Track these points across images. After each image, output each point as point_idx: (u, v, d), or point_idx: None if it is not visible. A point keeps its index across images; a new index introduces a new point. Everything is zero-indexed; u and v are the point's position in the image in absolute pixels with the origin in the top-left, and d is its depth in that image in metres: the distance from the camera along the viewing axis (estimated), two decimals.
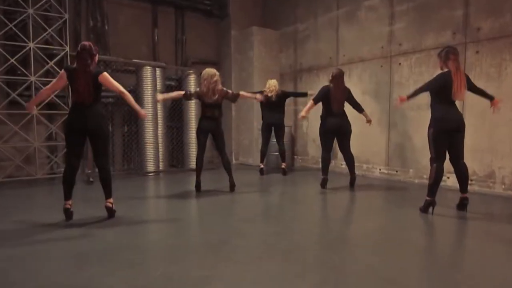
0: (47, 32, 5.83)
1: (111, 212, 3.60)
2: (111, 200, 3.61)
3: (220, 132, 5.02)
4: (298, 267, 2.42)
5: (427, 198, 3.73)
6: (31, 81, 5.73)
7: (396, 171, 5.96)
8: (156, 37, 7.88)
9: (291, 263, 2.49)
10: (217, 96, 4.85)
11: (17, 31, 5.60)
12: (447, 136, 3.67)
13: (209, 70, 4.95)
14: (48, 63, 5.91)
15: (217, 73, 4.95)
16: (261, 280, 2.19)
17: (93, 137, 3.49)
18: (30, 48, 5.65)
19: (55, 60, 6.03)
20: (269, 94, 6.41)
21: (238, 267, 2.43)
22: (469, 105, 4.95)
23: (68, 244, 2.92)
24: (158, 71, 7.18)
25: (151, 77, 6.91)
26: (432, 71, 5.40)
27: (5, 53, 5.55)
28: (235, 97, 5.11)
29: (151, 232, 3.39)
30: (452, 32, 5.20)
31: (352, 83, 6.63)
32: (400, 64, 5.85)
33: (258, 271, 2.34)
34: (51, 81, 5.98)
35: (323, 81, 7.24)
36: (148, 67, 6.89)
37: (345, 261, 2.60)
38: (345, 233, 3.45)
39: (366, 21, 6.40)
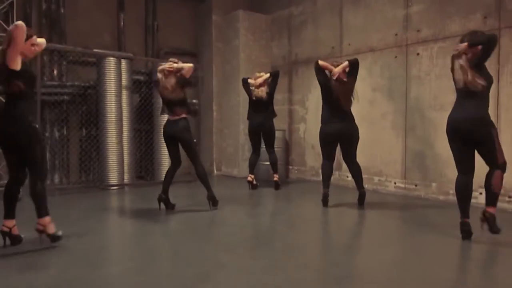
0: None
1: (47, 237, 3.16)
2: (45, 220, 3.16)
3: (185, 137, 4.62)
4: None
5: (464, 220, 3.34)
6: None
7: (415, 185, 5.56)
8: (122, 24, 7.44)
9: None
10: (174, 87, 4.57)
11: None
12: None
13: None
14: None
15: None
16: None
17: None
18: None
19: None
20: (258, 94, 6.05)
21: None
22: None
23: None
24: (124, 63, 6.72)
25: (115, 70, 6.46)
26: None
27: None
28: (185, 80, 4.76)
29: (110, 263, 3.05)
30: (482, 15, 4.85)
31: (359, 78, 6.22)
32: (418, 54, 5.49)
33: None
34: None
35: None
36: (112, 58, 6.46)
37: None
38: (354, 267, 3.05)
39: (376, 3, 6.04)
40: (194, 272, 2.76)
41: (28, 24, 6.25)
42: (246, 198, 5.80)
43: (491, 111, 4.67)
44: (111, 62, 6.41)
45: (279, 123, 7.69)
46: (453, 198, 4.97)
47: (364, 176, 6.11)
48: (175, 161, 4.74)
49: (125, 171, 6.69)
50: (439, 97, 5.23)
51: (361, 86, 6.19)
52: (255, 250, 3.42)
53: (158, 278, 2.67)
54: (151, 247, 3.49)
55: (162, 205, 4.61)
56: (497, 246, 3.33)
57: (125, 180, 6.65)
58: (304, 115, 7.31)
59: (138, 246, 3.53)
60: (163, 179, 4.84)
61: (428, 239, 3.56)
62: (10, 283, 2.52)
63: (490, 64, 4.71)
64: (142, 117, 7.41)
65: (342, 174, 6.49)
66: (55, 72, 6.67)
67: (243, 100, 7.65)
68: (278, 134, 7.34)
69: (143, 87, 7.42)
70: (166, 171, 4.91)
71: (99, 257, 3.14)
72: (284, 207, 5.31)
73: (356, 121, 4.97)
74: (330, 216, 4.58)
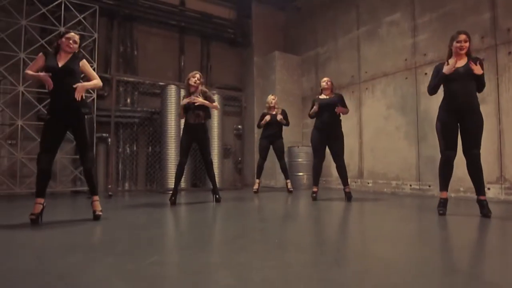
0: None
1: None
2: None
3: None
4: None
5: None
6: None
7: (429, 186, 5.32)
8: (182, 64, 7.93)
9: None
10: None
11: (49, 48, 5.69)
12: None
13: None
14: None
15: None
16: None
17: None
18: None
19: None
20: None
21: None
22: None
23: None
24: (182, 92, 7.10)
25: (175, 97, 6.82)
26: None
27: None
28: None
29: (159, 227, 3.01)
30: (480, 36, 4.81)
31: (375, 99, 6.26)
32: (426, 74, 5.43)
33: None
34: None
35: (345, 99, 6.88)
36: (173, 86, 6.83)
37: None
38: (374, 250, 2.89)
39: (387, 37, 6.12)
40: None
41: (107, 63, 6.93)
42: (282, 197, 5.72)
43: (493, 116, 4.54)
44: (172, 89, 6.76)
45: (309, 142, 7.69)
46: (463, 194, 4.75)
47: (382, 181, 5.99)
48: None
49: (182, 179, 6.86)
50: None
51: (377, 105, 6.20)
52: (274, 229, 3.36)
53: (199, 238, 2.69)
54: (196, 223, 3.51)
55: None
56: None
57: (181, 186, 6.80)
58: None
59: (187, 224, 3.58)
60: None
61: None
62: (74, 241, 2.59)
63: (489, 74, 4.64)
64: None
65: (363, 181, 6.32)
66: (128, 100, 7.09)
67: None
68: (307, 149, 7.36)
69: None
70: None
71: (151, 224, 3.19)
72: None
73: (373, 135, 4.91)
74: (352, 212, 4.40)
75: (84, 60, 3.22)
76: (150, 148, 7.30)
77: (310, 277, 1.52)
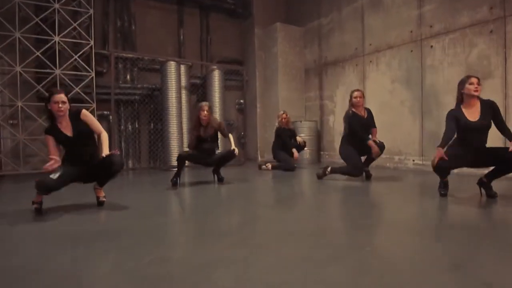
0: (72, 27, 5.75)
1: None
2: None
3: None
4: None
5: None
6: (56, 74, 5.64)
7: None
8: (182, 38, 7.74)
9: None
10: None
11: (44, 26, 5.57)
12: None
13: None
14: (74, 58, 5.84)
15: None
16: None
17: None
18: (55, 42, 5.59)
19: (83, 55, 6.00)
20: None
21: None
22: None
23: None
24: (182, 68, 7.00)
25: (175, 74, 6.72)
26: (468, 50, 4.82)
27: (32, 48, 5.51)
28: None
29: (161, 215, 3.04)
30: (488, 6, 4.59)
31: (380, 72, 6.11)
32: (432, 46, 5.26)
33: None
34: (76, 74, 6.05)
35: (349, 73, 6.77)
36: (173, 62, 6.69)
37: None
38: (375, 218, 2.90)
39: (392, 7, 5.87)
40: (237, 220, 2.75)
41: (105, 39, 6.77)
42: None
43: (499, 91, 4.44)
44: (171, 66, 6.64)
45: (312, 116, 7.66)
46: (466, 170, 4.72)
47: (385, 156, 5.96)
48: None
49: None
50: (451, 82, 4.97)
51: (381, 78, 6.08)
52: (282, 206, 3.39)
53: (201, 224, 2.70)
54: (199, 203, 3.54)
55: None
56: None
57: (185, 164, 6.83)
58: (333, 108, 7.20)
59: (188, 203, 3.60)
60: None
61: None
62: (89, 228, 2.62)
63: (497, 48, 4.48)
64: None
65: None
66: (128, 77, 7.00)
67: (281, 99, 7.69)
68: (310, 124, 7.33)
69: (199, 89, 7.66)
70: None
71: (151, 211, 3.22)
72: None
73: (378, 109, 4.75)
74: (348, 188, 4.40)
75: (84, 111, 3.06)
76: (152, 125, 7.28)
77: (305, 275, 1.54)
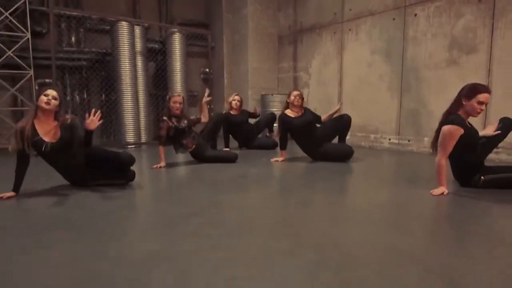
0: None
1: None
2: None
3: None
4: None
5: None
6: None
7: (408, 141, 5.41)
8: None
9: None
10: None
11: None
12: None
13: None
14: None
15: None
16: None
17: None
18: None
19: (17, 12, 5.58)
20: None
21: None
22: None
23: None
24: (137, 30, 6.65)
25: (128, 36, 6.36)
26: (454, 21, 4.83)
27: None
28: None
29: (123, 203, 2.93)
30: None
31: (359, 42, 6.07)
32: (415, 15, 5.24)
33: None
34: (9, 35, 5.63)
35: (326, 41, 6.69)
36: (124, 23, 6.29)
37: None
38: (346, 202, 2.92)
39: None
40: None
41: None
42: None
43: (483, 67, 4.51)
44: (124, 27, 6.27)
45: (285, 89, 7.57)
46: None
47: (361, 134, 6.05)
48: None
49: (142, 131, 6.71)
50: (433, 56, 5.02)
51: (361, 49, 6.06)
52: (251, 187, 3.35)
53: (157, 213, 2.62)
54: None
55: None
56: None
57: (142, 140, 6.66)
58: (307, 80, 7.14)
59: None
60: None
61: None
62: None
63: (484, 19, 4.52)
64: (158, 83, 7.39)
65: None
66: (73, 39, 6.60)
67: (252, 69, 7.54)
68: (282, 98, 7.24)
69: (158, 55, 7.36)
70: None
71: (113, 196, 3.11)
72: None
73: (355, 84, 4.75)
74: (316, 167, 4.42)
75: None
76: (103, 96, 6.98)
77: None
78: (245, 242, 1.89)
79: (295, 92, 4.53)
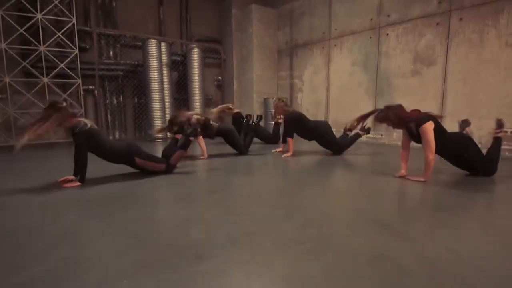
0: (53, 4, 5.54)
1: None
2: None
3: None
4: None
5: None
6: (41, 51, 5.52)
7: (381, 135, 5.71)
8: (162, 15, 7.59)
9: None
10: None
11: (25, 3, 5.37)
12: None
13: None
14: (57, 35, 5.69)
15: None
16: None
17: None
18: (38, 19, 5.42)
19: (66, 32, 5.85)
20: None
21: None
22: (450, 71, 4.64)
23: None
24: (163, 45, 6.94)
25: (156, 51, 6.67)
26: (417, 40, 5.08)
27: (15, 25, 5.33)
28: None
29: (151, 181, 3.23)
30: (437, 0, 4.83)
31: (343, 56, 6.33)
32: (387, 34, 5.49)
33: None
34: (60, 51, 5.90)
35: (316, 55, 6.95)
36: (153, 40, 6.62)
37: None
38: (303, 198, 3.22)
39: None
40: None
41: (86, 15, 6.55)
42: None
43: (440, 76, 4.77)
44: (152, 44, 6.58)
45: (283, 93, 7.85)
46: None
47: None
48: None
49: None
50: (401, 67, 5.28)
51: (344, 62, 6.29)
52: (253, 172, 3.64)
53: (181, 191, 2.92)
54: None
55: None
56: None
57: (168, 135, 6.97)
58: (301, 86, 7.41)
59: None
60: None
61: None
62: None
63: (441, 39, 4.76)
64: (180, 89, 7.68)
65: None
66: (111, 53, 6.88)
67: (256, 76, 7.81)
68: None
69: (180, 66, 7.64)
70: None
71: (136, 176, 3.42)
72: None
73: (339, 90, 5.04)
74: (296, 160, 4.70)
75: None
76: (136, 99, 7.27)
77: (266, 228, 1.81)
78: (253, 209, 2.21)
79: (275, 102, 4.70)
